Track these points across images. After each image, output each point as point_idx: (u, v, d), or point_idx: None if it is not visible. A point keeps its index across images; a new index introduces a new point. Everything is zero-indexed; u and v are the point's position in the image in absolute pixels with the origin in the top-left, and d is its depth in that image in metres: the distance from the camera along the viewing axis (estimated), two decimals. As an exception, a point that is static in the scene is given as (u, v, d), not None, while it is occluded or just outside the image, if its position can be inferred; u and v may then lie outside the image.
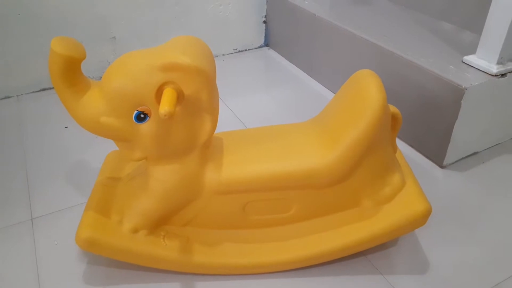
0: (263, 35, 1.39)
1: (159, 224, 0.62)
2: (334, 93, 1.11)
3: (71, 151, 0.89)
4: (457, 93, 0.78)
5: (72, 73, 0.53)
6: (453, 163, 0.87)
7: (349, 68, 1.05)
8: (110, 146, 0.64)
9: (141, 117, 0.54)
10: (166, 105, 0.49)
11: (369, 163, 0.60)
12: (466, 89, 0.76)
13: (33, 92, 1.11)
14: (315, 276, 0.63)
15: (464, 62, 0.85)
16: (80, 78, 0.54)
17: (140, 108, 0.53)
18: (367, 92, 0.57)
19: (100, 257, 0.63)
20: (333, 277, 0.63)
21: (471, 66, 0.84)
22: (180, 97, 0.53)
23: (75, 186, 0.80)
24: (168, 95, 0.51)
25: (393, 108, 0.61)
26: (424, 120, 0.87)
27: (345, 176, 0.60)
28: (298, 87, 1.17)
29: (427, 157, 0.88)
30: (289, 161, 0.59)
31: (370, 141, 0.57)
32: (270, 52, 1.37)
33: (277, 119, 1.02)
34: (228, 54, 1.35)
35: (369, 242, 0.61)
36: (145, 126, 0.55)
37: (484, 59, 0.82)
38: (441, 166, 0.86)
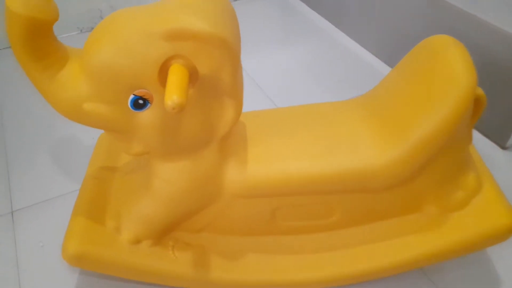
0: (281, -24, 1.20)
1: (166, 232, 0.51)
2: (370, 52, 0.96)
3: (56, 126, 0.76)
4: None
5: (41, 41, 0.38)
6: (517, 143, 0.74)
7: (391, 20, 0.88)
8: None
9: (139, 103, 0.40)
10: (174, 93, 0.35)
11: (440, 160, 0.47)
12: (550, 55, 0.61)
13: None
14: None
15: (543, 19, 0.69)
16: (53, 47, 0.39)
17: (138, 92, 0.40)
18: (453, 70, 0.43)
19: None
20: (381, 296, 0.52)
21: (553, 23, 0.67)
22: (193, 77, 0.39)
23: (63, 170, 0.69)
24: (176, 76, 0.37)
25: (478, 90, 0.47)
26: (487, 92, 0.73)
27: (411, 177, 0.47)
28: (323, 43, 1.01)
29: (486, 136, 0.76)
30: (336, 157, 0.47)
31: (449, 135, 0.44)
32: (288, -2, 1.19)
33: (298, 82, 0.89)
34: (237, 0, 1.17)
35: (432, 258, 0.49)
36: (145, 115, 0.41)
37: None
38: (503, 147, 0.73)
